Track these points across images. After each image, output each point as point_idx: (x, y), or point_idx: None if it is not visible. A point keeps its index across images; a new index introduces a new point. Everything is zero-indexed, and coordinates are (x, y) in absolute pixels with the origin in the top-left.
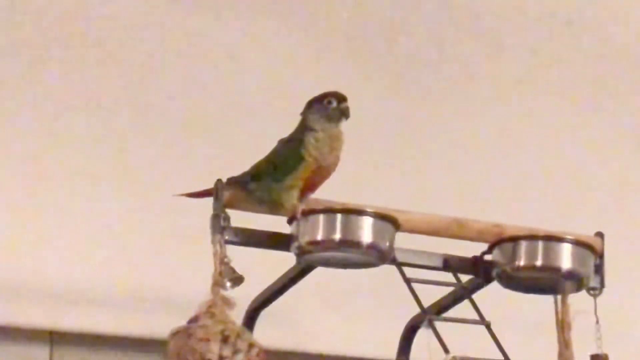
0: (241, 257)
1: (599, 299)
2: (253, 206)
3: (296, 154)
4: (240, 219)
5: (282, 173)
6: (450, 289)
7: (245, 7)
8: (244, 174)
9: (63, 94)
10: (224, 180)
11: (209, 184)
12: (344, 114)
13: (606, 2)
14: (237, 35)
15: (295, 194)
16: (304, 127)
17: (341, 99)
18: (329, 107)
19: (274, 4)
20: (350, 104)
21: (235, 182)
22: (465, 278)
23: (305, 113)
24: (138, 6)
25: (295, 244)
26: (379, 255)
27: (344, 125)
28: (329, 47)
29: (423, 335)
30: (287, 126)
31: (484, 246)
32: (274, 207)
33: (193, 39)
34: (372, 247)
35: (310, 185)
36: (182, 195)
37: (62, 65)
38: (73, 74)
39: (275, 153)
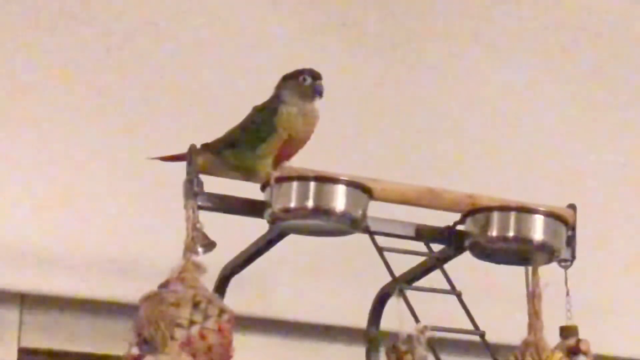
0: (214, 222)
1: (569, 270)
2: (227, 172)
3: (269, 124)
4: (214, 184)
5: (255, 141)
6: (422, 258)
7: None
8: (218, 141)
9: (38, 59)
10: (198, 146)
11: (183, 149)
12: (318, 92)
13: None
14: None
15: (268, 161)
16: (278, 99)
17: (316, 76)
18: (303, 84)
19: None
20: (324, 71)
21: (209, 149)
22: (437, 248)
23: (279, 87)
24: None
25: (268, 211)
26: (352, 224)
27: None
28: (306, 14)
29: (394, 304)
30: (265, 92)
31: (457, 216)
32: (248, 173)
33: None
34: (344, 215)
35: (283, 155)
36: (155, 158)
37: (42, 32)
38: (52, 40)
39: (248, 121)
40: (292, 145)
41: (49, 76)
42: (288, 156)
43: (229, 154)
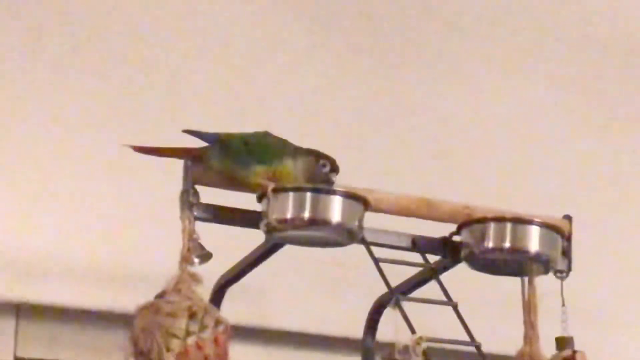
0: (210, 233)
1: (565, 281)
2: (223, 183)
3: (269, 160)
4: (210, 195)
5: (252, 161)
6: (419, 269)
7: None
8: (212, 134)
9: (32, 62)
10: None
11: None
12: (328, 183)
13: None
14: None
15: (259, 176)
16: (291, 154)
17: (335, 168)
18: (320, 168)
19: None
20: (323, 82)
21: (193, 135)
22: (433, 259)
23: (300, 153)
24: None
25: (264, 222)
26: (348, 235)
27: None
28: (299, 21)
29: (390, 315)
30: (254, 86)
31: (453, 227)
32: (242, 185)
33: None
34: (341, 226)
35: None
36: (130, 146)
37: (37, 30)
38: (41, 40)
39: (256, 141)
40: (272, 179)
41: (42, 84)
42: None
43: (215, 153)
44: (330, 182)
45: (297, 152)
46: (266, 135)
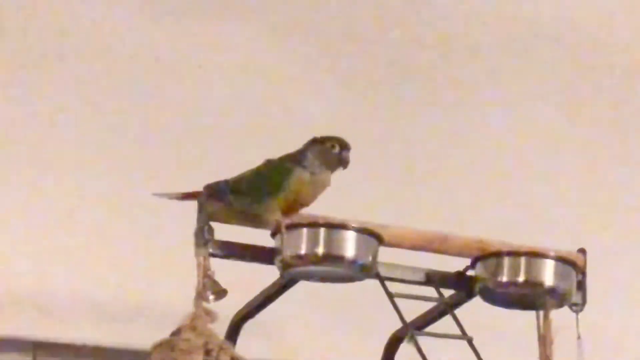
0: (225, 269)
1: (581, 314)
2: (237, 220)
3: (280, 183)
4: (224, 231)
5: (262, 195)
6: (433, 303)
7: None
8: (223, 183)
9: (49, 95)
10: (201, 188)
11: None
12: (343, 162)
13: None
14: (208, 41)
15: (276, 212)
16: (297, 160)
17: (344, 146)
18: (331, 151)
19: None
20: (333, 116)
21: (213, 190)
22: (448, 293)
23: (305, 148)
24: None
25: (278, 258)
26: (362, 270)
27: None
28: (313, 57)
29: (406, 350)
30: (266, 129)
31: (467, 261)
32: (256, 221)
33: (172, 43)
34: (355, 261)
35: (287, 209)
36: (173, 197)
37: (49, 68)
38: (61, 77)
39: (259, 174)
40: (295, 205)
41: (54, 122)
42: (291, 211)
43: (234, 200)
44: (345, 162)
45: (301, 153)
46: (267, 163)
